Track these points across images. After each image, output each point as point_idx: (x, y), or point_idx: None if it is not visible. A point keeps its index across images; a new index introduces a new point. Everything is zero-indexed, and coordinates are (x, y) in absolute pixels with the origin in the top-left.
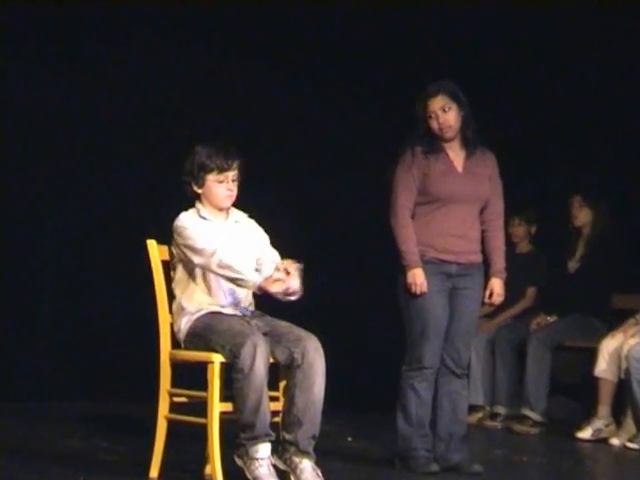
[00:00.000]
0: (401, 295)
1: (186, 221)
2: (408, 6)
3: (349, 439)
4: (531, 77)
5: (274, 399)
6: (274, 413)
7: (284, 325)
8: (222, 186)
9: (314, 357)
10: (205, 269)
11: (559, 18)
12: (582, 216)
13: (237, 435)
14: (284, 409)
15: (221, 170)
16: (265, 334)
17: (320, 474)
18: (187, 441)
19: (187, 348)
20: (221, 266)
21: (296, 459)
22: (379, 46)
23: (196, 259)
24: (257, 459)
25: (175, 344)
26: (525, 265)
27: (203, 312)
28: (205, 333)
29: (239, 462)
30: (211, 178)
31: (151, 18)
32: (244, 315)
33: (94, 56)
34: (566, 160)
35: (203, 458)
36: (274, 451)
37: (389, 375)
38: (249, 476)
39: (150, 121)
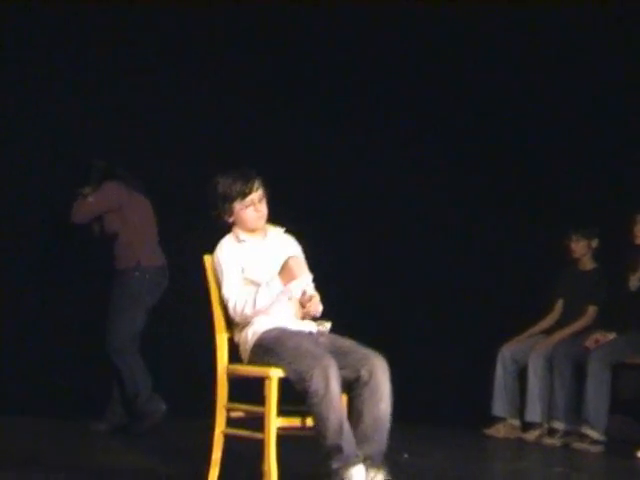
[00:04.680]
0: None
1: (221, 254)
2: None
3: (405, 456)
4: (596, 91)
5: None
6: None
7: (348, 343)
8: (250, 210)
9: (381, 375)
10: None
11: None
12: None
13: (325, 464)
14: (351, 426)
15: (244, 195)
16: (330, 352)
17: None
18: (243, 456)
19: (251, 361)
20: (242, 317)
21: (371, 474)
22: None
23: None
24: None
25: (232, 358)
26: (586, 283)
27: (271, 326)
28: (273, 347)
29: None
30: (237, 206)
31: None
32: (310, 332)
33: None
34: (630, 175)
35: (260, 473)
36: (324, 478)
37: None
38: None
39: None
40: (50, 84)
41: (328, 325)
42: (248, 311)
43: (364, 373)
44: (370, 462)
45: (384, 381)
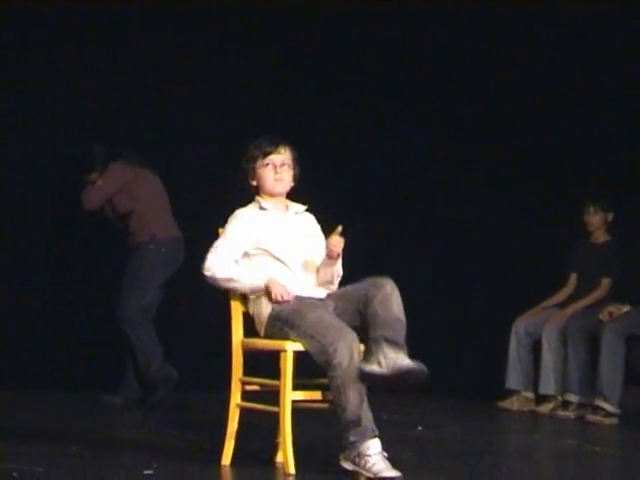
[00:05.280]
0: None
1: (235, 216)
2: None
3: (419, 428)
4: (607, 66)
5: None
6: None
7: (350, 287)
8: (269, 170)
9: (391, 291)
10: None
11: None
12: None
13: (342, 437)
14: (369, 330)
15: (265, 154)
16: (343, 310)
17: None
18: (258, 429)
19: (267, 333)
20: (209, 271)
21: (392, 354)
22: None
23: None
24: (370, 455)
25: (247, 332)
26: (600, 256)
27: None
28: (293, 319)
29: (348, 466)
30: (258, 165)
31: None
32: (321, 299)
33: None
34: None
35: (274, 446)
36: (340, 451)
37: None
38: (367, 474)
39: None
40: (50, 73)
41: (339, 229)
42: (217, 273)
43: (373, 292)
44: (393, 344)
45: (395, 296)
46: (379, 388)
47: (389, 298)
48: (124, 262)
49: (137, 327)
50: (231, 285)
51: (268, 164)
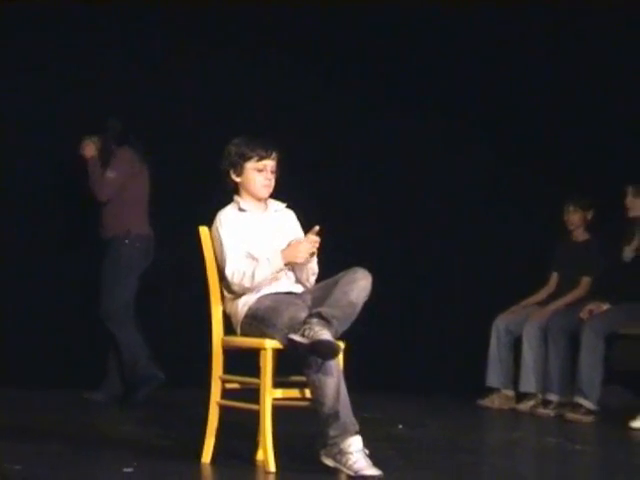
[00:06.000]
0: None
1: (221, 224)
2: None
3: (400, 427)
4: (587, 65)
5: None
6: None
7: (328, 281)
8: (261, 175)
9: (360, 278)
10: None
11: None
12: (636, 207)
13: (323, 432)
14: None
15: (260, 158)
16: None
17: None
18: (239, 427)
19: (244, 331)
20: (240, 288)
21: (316, 327)
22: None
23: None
24: (352, 452)
25: (227, 330)
26: (580, 254)
27: (262, 293)
28: (269, 317)
29: (329, 462)
30: (250, 166)
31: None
32: (297, 294)
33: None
34: (623, 147)
35: (255, 444)
36: (321, 447)
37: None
38: (348, 472)
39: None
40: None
41: (316, 228)
42: (246, 283)
43: (344, 274)
44: (322, 319)
45: (361, 281)
46: (296, 356)
47: (354, 282)
48: (99, 257)
49: (122, 324)
50: (261, 283)
51: (261, 170)
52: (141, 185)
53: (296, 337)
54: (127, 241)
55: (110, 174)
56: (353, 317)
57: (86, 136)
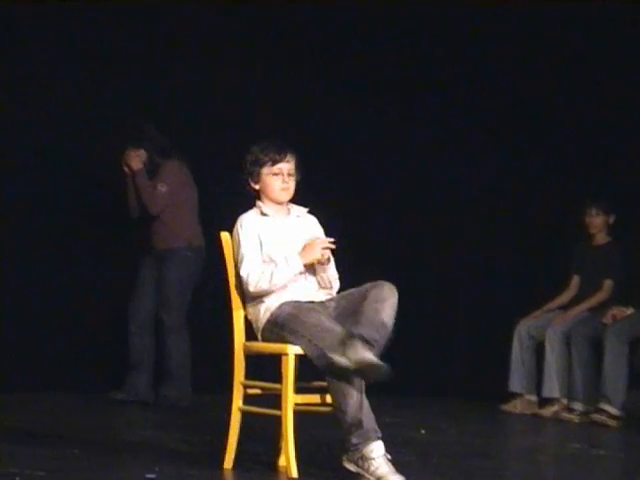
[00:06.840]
0: None
1: (241, 226)
2: None
3: (422, 431)
4: (610, 66)
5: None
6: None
7: (352, 290)
8: (277, 179)
9: (388, 296)
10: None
11: None
12: None
13: (345, 439)
14: (352, 322)
15: (274, 162)
16: (342, 310)
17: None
18: (260, 433)
19: (265, 338)
20: (257, 289)
21: (360, 350)
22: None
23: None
24: (374, 458)
25: (248, 336)
26: (602, 258)
27: (284, 300)
28: (291, 324)
29: (351, 467)
30: (265, 171)
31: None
32: (321, 302)
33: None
34: None
35: (276, 450)
36: (343, 453)
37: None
38: (370, 478)
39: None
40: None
41: (330, 240)
42: (264, 285)
43: (371, 290)
44: (364, 342)
45: (390, 299)
46: (340, 378)
47: (383, 301)
48: (143, 264)
49: (182, 330)
50: (279, 285)
51: (277, 173)
52: (193, 196)
53: (336, 357)
54: (189, 253)
55: (162, 188)
56: (387, 338)
57: (131, 148)
